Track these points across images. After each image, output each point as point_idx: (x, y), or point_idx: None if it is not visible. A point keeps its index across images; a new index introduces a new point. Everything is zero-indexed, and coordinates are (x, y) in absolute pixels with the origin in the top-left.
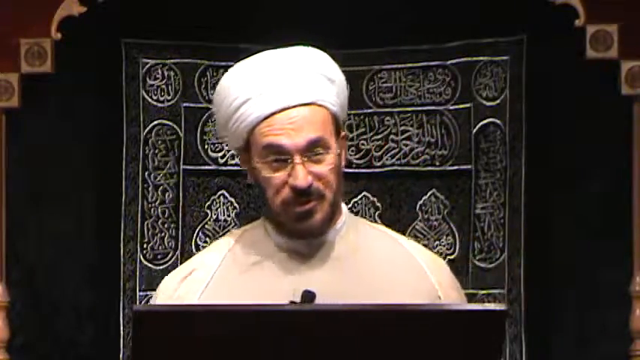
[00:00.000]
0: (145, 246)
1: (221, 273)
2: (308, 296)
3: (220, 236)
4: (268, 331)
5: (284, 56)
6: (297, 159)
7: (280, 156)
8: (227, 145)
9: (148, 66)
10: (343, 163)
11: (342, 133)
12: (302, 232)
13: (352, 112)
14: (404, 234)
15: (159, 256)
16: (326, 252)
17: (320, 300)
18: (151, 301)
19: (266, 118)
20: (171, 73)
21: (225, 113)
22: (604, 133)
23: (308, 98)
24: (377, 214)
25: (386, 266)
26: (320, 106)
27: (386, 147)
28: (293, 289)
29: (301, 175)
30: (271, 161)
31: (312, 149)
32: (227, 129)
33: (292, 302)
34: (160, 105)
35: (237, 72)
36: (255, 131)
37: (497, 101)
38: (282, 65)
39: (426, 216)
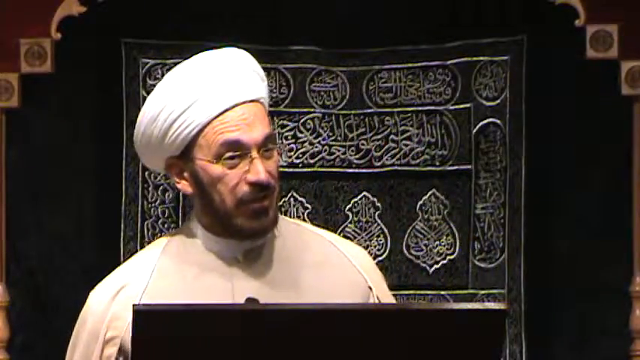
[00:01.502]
0: (145, 246)
1: (154, 284)
2: (251, 302)
3: (146, 245)
4: (268, 331)
5: (220, 57)
6: (255, 154)
7: (237, 152)
8: (147, 165)
9: (147, 66)
10: None
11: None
12: (255, 232)
13: (352, 112)
14: (404, 234)
15: None
16: (256, 255)
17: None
18: (82, 317)
19: (218, 116)
20: None
21: (162, 126)
22: (604, 133)
23: (253, 95)
24: (377, 214)
25: (316, 264)
26: (262, 104)
27: (386, 147)
28: (231, 297)
29: (261, 169)
30: (226, 158)
31: (266, 145)
32: (161, 143)
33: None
34: None
35: (173, 81)
36: (206, 131)
37: (497, 101)
38: (222, 65)
39: (426, 216)
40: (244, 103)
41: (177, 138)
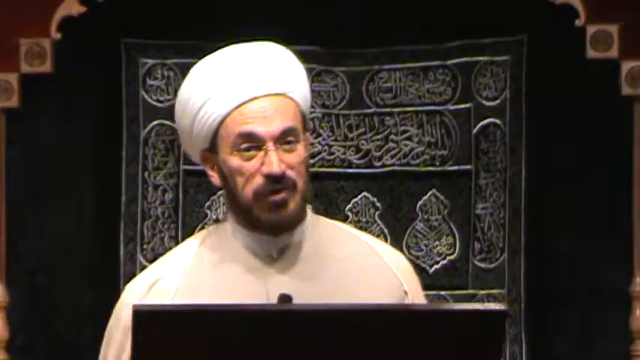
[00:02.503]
0: (144, 246)
1: (188, 279)
2: (284, 299)
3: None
4: (269, 331)
5: (251, 49)
6: (271, 146)
7: (253, 144)
8: (192, 158)
9: (147, 66)
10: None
11: (307, 133)
12: (275, 224)
13: (352, 112)
14: (404, 234)
15: (159, 257)
16: (292, 253)
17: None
18: (116, 312)
19: (237, 107)
20: (171, 73)
21: (189, 116)
22: (604, 133)
23: (279, 89)
24: (377, 214)
25: (352, 265)
26: (290, 99)
27: (386, 147)
28: (266, 292)
29: (275, 161)
30: (244, 150)
31: (285, 138)
32: (191, 134)
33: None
34: (159, 105)
35: (199, 71)
36: (227, 122)
37: (497, 101)
38: (249, 57)
39: (426, 216)
40: (266, 96)
41: (202, 129)
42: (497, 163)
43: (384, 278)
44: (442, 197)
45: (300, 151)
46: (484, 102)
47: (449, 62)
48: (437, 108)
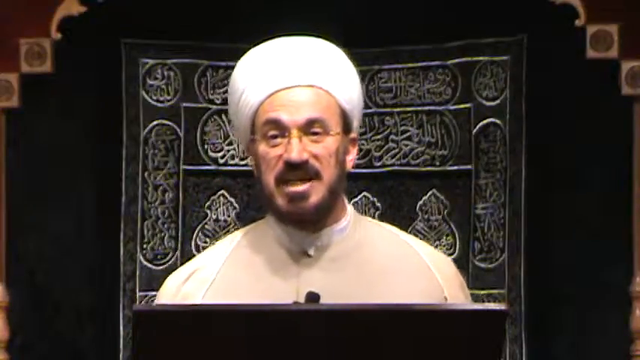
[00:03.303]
0: (144, 246)
1: (224, 272)
2: (312, 297)
3: (223, 235)
4: (268, 332)
5: (293, 42)
6: (294, 133)
7: (279, 131)
8: (243, 149)
9: (147, 66)
10: (350, 165)
11: (353, 135)
12: (295, 216)
13: None
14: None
15: (159, 257)
16: (329, 252)
17: (323, 301)
18: (155, 301)
19: (270, 96)
20: (171, 73)
21: (233, 105)
22: (604, 133)
23: (313, 81)
24: (377, 214)
25: (390, 266)
26: (326, 92)
27: (386, 147)
28: (297, 290)
29: (296, 148)
30: (270, 137)
31: (311, 128)
32: (236, 123)
33: (296, 303)
34: (159, 105)
35: (245, 58)
36: (259, 110)
37: (497, 101)
38: (289, 49)
39: (426, 216)
40: (299, 86)
41: (242, 118)
42: (497, 163)
43: (423, 282)
44: (442, 197)
45: (328, 144)
46: (484, 102)
47: (449, 62)
48: (437, 108)
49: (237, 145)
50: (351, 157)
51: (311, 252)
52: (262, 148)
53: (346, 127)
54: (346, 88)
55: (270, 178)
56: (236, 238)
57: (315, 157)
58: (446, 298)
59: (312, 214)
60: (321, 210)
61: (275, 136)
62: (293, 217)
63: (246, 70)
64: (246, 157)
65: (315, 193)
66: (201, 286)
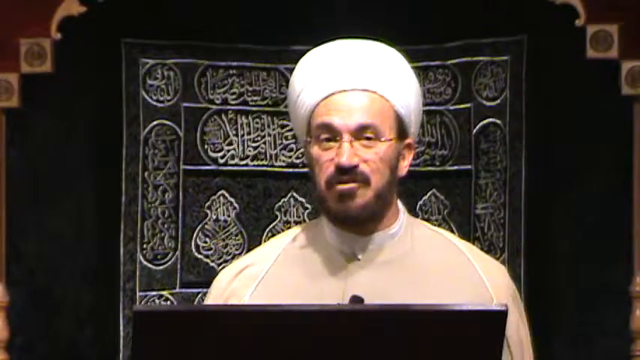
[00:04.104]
0: (144, 246)
1: (274, 271)
2: (356, 301)
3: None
4: (268, 332)
5: (351, 45)
6: (346, 138)
7: (331, 135)
8: (302, 147)
9: (147, 66)
10: (403, 172)
11: (408, 140)
12: (342, 215)
13: None
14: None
15: (159, 257)
16: (379, 256)
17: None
18: (207, 295)
19: (324, 99)
20: (171, 73)
21: (291, 105)
22: (604, 133)
23: (368, 85)
24: None
25: (440, 272)
26: (382, 97)
27: None
28: (343, 292)
29: (346, 153)
30: (322, 140)
31: (363, 133)
32: (294, 124)
33: (339, 305)
34: (159, 105)
35: (303, 60)
36: (314, 113)
37: (497, 101)
38: (347, 52)
39: (426, 216)
40: (354, 90)
41: (298, 119)
42: (497, 163)
43: (473, 289)
44: (442, 197)
45: (380, 149)
46: (484, 102)
47: (449, 62)
48: (437, 108)
49: (238, 145)
50: (406, 164)
51: (360, 255)
52: (315, 150)
53: (402, 133)
54: (403, 93)
55: (321, 181)
56: (290, 235)
57: (366, 162)
58: None
59: (358, 215)
60: (367, 212)
61: (328, 140)
62: (340, 216)
63: (304, 71)
64: (246, 157)
65: (362, 195)
66: (249, 283)
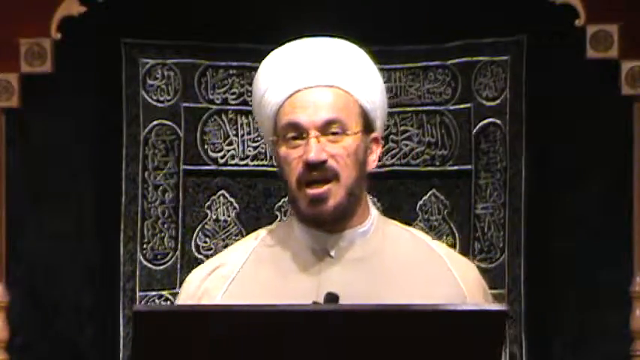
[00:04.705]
0: (144, 246)
1: (245, 270)
2: (331, 298)
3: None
4: (268, 332)
5: (313, 43)
6: (313, 134)
7: (298, 133)
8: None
9: (148, 66)
10: (372, 166)
11: (374, 134)
12: (314, 218)
13: None
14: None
15: (159, 256)
16: (351, 253)
17: (343, 302)
18: (177, 297)
19: (289, 97)
20: (171, 73)
21: (256, 105)
22: (604, 133)
23: (331, 81)
24: None
25: (412, 269)
26: (345, 92)
27: (386, 147)
28: (317, 290)
29: (314, 149)
30: (289, 139)
31: (329, 128)
32: (260, 124)
33: (315, 303)
34: (159, 105)
35: (266, 60)
36: (279, 112)
37: (497, 101)
38: (308, 50)
39: (426, 216)
40: (317, 86)
41: (264, 119)
42: (497, 163)
43: (445, 288)
44: (442, 197)
45: (347, 143)
46: (484, 102)
47: (449, 62)
48: (437, 108)
49: (238, 145)
50: (374, 158)
51: (332, 252)
52: (283, 150)
53: (368, 127)
54: (366, 88)
55: (292, 180)
56: (259, 236)
57: (334, 157)
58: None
59: (331, 216)
60: (340, 212)
61: (295, 138)
62: (313, 219)
63: (267, 71)
64: (246, 157)
65: (334, 196)
66: (222, 283)
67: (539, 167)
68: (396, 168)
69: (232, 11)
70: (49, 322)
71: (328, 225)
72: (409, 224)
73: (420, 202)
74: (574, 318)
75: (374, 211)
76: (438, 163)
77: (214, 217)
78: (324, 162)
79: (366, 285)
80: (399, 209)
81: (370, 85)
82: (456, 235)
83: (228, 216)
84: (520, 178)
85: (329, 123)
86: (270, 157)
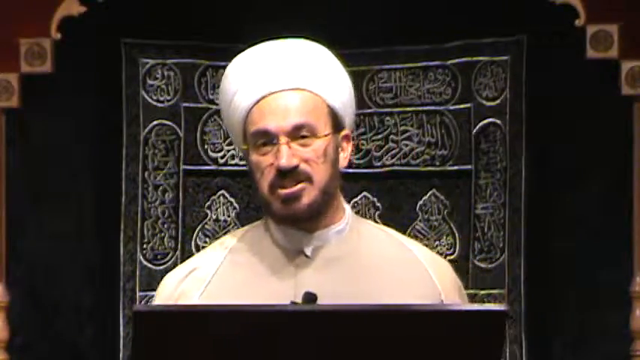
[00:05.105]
0: (144, 246)
1: (222, 272)
2: (309, 297)
3: (223, 235)
4: (268, 332)
5: (277, 46)
6: (283, 140)
7: (268, 139)
8: (239, 151)
9: (147, 66)
10: (344, 163)
11: (345, 132)
12: (288, 217)
13: None
14: (404, 234)
15: (159, 256)
16: (326, 253)
17: (320, 301)
18: (153, 300)
19: (257, 103)
20: (171, 73)
21: (224, 111)
22: (604, 133)
23: (297, 84)
24: (377, 214)
25: (388, 268)
26: (313, 93)
27: (386, 147)
28: (294, 290)
29: (285, 155)
30: (260, 145)
31: (299, 133)
32: (229, 130)
33: (293, 303)
34: (159, 105)
35: (232, 65)
36: (248, 118)
37: (497, 101)
38: (273, 53)
39: (426, 216)
40: (283, 91)
41: (234, 124)
42: (497, 163)
43: (421, 285)
44: (442, 197)
45: (317, 146)
46: (484, 102)
47: (449, 62)
48: (437, 108)
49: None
50: (346, 155)
51: (308, 252)
52: (254, 157)
53: (337, 126)
54: (333, 87)
55: (264, 186)
56: (234, 238)
57: (306, 161)
58: (442, 302)
59: (305, 215)
60: (314, 210)
61: (265, 144)
62: (288, 218)
63: (234, 75)
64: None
65: (307, 194)
66: (198, 285)
67: (539, 167)
68: (396, 168)
69: (232, 11)
70: (49, 322)
71: (303, 223)
72: (409, 224)
73: (420, 202)
74: (574, 318)
75: (348, 210)
76: (438, 163)
77: (214, 217)
78: (296, 167)
79: (343, 284)
80: (399, 209)
81: (337, 84)
82: (456, 235)
83: (228, 216)
84: (520, 178)
85: (298, 128)
86: None
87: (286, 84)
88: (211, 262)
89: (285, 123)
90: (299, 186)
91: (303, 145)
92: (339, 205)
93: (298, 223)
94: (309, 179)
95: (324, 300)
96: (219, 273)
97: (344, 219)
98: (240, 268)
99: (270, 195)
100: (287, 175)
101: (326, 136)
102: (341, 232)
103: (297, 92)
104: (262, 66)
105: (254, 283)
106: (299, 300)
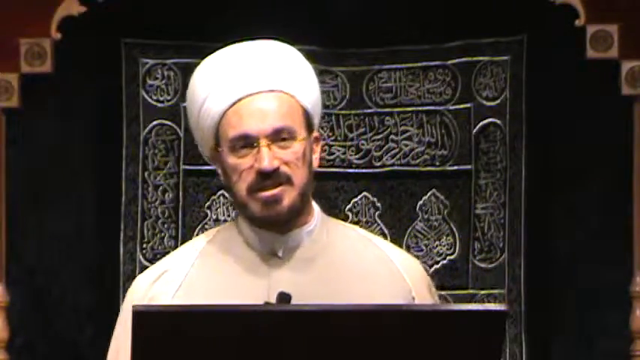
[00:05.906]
0: (144, 246)
1: (193, 274)
2: (283, 298)
3: (183, 240)
4: (268, 332)
5: (249, 47)
6: (263, 143)
7: (247, 142)
8: (206, 158)
9: (147, 66)
10: (316, 164)
11: (315, 134)
12: (269, 220)
13: (352, 112)
14: (404, 234)
15: (159, 256)
16: (298, 253)
17: (293, 301)
18: (123, 304)
19: (232, 105)
20: (171, 73)
21: (194, 114)
22: (604, 133)
23: (273, 86)
24: (377, 214)
25: (359, 266)
26: (287, 94)
27: (386, 147)
28: (267, 290)
29: (266, 158)
30: (239, 148)
31: (279, 135)
32: (198, 132)
33: (267, 303)
34: (159, 105)
35: (201, 69)
36: (223, 121)
37: (497, 101)
38: (246, 55)
39: (426, 216)
40: (260, 93)
41: (205, 127)
42: (497, 163)
43: (392, 282)
44: (442, 197)
45: (296, 148)
46: (484, 102)
47: (449, 62)
48: (437, 108)
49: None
50: (317, 156)
51: (280, 253)
52: (231, 160)
53: (309, 127)
54: (306, 88)
55: (242, 188)
56: (205, 239)
57: (286, 163)
58: (414, 298)
59: (285, 217)
60: (293, 212)
61: (243, 147)
62: (267, 220)
63: (204, 79)
64: None
65: (287, 196)
66: (170, 288)
67: (539, 167)
68: (396, 168)
69: (232, 11)
70: (49, 322)
71: (280, 225)
72: (409, 224)
73: (420, 202)
74: (574, 318)
75: (317, 210)
76: (438, 163)
77: (214, 217)
78: (277, 169)
79: (316, 284)
80: (399, 209)
81: (308, 84)
82: (456, 235)
83: (228, 216)
84: (520, 178)
85: (278, 131)
86: None
87: (262, 86)
88: (182, 264)
89: (266, 125)
90: (280, 188)
91: (283, 148)
92: (310, 206)
93: (275, 225)
94: (289, 181)
95: (298, 300)
96: (190, 275)
97: (314, 219)
98: (211, 269)
99: (249, 197)
100: (268, 177)
101: (304, 139)
102: (311, 233)
103: (273, 94)
104: (235, 68)
105: (226, 285)
106: (272, 300)
